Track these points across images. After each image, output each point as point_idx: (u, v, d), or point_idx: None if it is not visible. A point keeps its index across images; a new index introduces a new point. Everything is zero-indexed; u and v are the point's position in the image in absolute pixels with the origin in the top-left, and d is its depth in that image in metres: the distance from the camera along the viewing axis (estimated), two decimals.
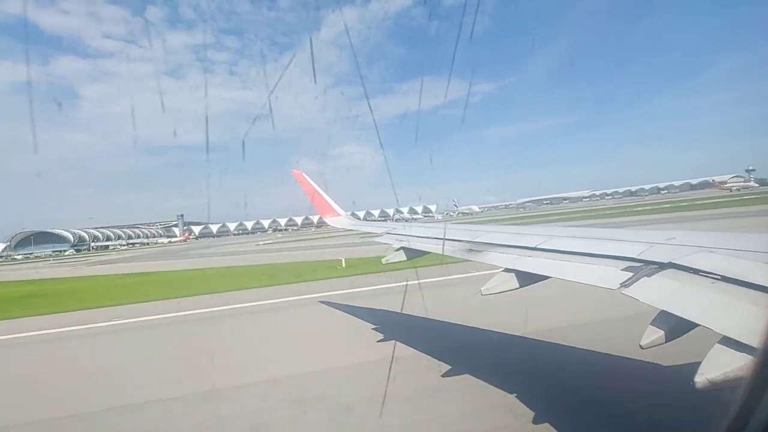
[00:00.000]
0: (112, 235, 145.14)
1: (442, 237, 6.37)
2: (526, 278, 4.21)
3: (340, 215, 9.82)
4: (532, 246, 4.63)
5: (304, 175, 9.98)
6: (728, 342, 2.11)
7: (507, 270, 4.38)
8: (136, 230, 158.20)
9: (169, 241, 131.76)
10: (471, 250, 5.35)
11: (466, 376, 6.62)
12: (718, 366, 2.02)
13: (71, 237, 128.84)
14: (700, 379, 2.02)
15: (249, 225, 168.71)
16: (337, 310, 12.70)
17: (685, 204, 62.14)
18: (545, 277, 4.01)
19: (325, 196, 9.93)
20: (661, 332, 2.59)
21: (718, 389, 2.00)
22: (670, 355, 5.47)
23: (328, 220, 9.80)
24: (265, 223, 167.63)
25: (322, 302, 13.93)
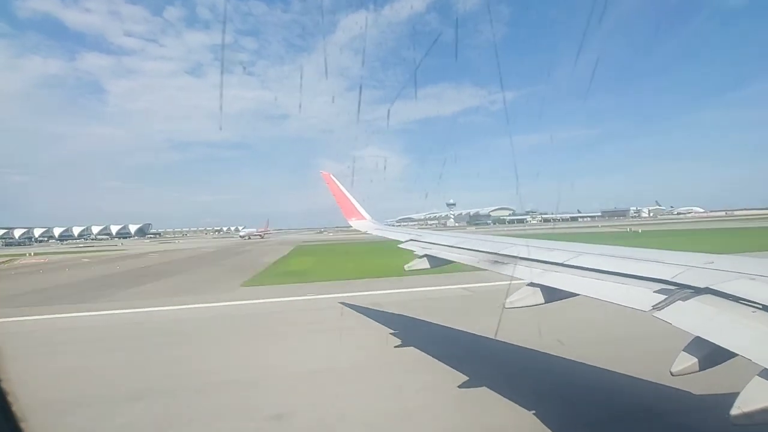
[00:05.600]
0: None
1: (467, 247, 6.33)
2: (552, 294, 4.13)
3: (366, 219, 9.91)
4: (560, 261, 4.54)
5: (332, 177, 10.15)
6: None
7: (532, 284, 4.31)
8: None
9: None
10: (496, 261, 5.29)
11: None
12: (758, 399, 1.93)
13: None
14: (737, 412, 1.94)
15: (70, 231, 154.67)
16: None
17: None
18: (572, 294, 3.92)
19: (352, 199, 10.05)
20: (695, 360, 2.49)
21: (756, 424, 1.91)
22: (703, 384, 5.24)
23: (353, 223, 9.91)
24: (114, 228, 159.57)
25: None
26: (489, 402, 6.23)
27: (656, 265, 3.64)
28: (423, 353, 8.60)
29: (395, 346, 9.23)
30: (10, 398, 0.93)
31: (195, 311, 14.91)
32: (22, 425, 0.94)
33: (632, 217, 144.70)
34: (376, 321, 11.61)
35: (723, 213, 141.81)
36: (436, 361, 8.11)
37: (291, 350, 9.62)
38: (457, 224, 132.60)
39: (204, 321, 13.48)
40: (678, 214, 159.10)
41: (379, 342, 9.57)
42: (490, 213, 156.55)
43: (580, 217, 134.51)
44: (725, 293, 2.74)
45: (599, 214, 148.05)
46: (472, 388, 6.75)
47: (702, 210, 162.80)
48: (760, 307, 2.47)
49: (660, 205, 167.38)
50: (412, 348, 9.02)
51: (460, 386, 6.82)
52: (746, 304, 2.55)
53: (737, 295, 2.66)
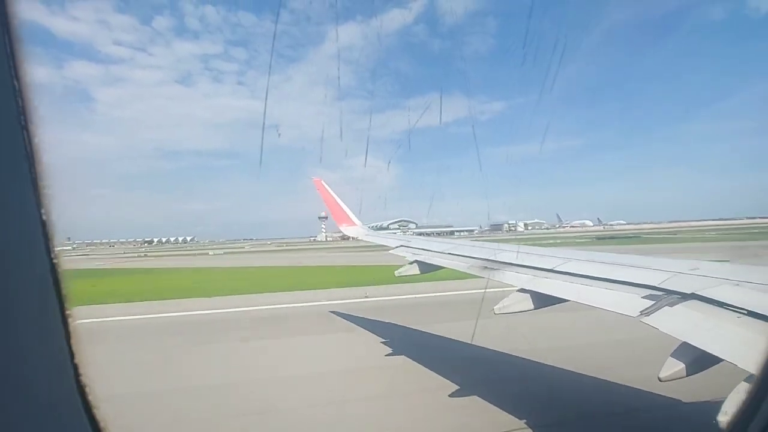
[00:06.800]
0: None
1: (457, 253, 6.34)
2: (542, 300, 4.14)
3: (356, 225, 9.88)
4: (549, 267, 4.57)
5: (323, 183, 10.11)
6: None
7: (522, 290, 4.32)
8: None
9: None
10: (486, 267, 5.30)
11: None
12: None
13: None
14: (724, 418, 1.94)
15: None
16: None
17: None
18: (562, 300, 3.94)
19: (342, 205, 10.02)
20: (682, 365, 2.51)
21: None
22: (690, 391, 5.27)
23: (344, 229, 9.88)
24: None
25: None
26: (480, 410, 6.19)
27: (644, 271, 3.68)
28: (413, 361, 8.55)
29: (386, 355, 9.15)
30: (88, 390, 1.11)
31: None
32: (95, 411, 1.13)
33: (507, 231, 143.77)
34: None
35: (602, 227, 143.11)
36: (425, 369, 8.05)
37: None
38: (329, 238, 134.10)
39: None
40: (571, 227, 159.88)
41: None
42: (389, 226, 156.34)
43: (458, 231, 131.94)
44: (711, 299, 2.77)
45: (487, 227, 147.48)
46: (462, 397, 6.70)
47: (591, 223, 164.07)
48: (746, 312, 2.49)
49: (561, 219, 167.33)
50: (402, 356, 8.95)
51: (450, 395, 6.76)
52: (732, 310, 2.58)
53: (723, 300, 2.69)
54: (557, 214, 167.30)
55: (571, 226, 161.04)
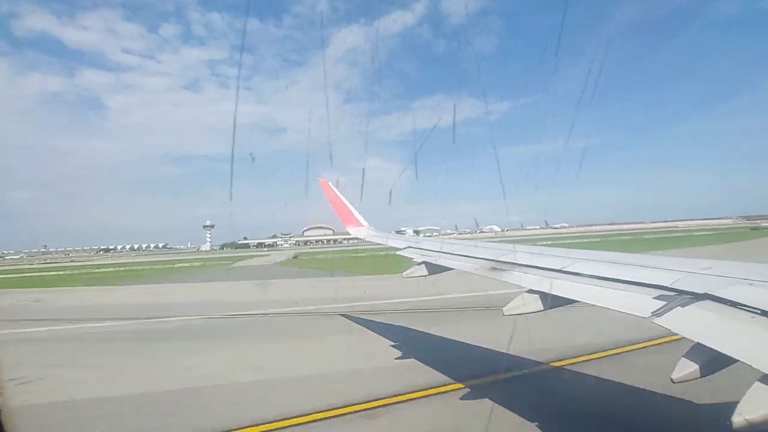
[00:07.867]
0: None
1: (465, 254, 6.31)
2: (551, 301, 4.11)
3: (363, 226, 9.87)
4: (558, 268, 4.53)
5: (330, 184, 10.13)
6: None
7: (531, 291, 4.29)
8: None
9: None
10: (494, 268, 5.28)
11: None
12: (759, 406, 1.92)
13: None
14: (738, 419, 1.91)
15: None
16: None
17: None
18: (571, 301, 3.90)
19: (348, 205, 10.02)
20: (696, 366, 2.47)
21: (758, 431, 1.89)
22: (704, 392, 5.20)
23: (350, 230, 9.87)
24: None
25: None
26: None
27: (655, 271, 3.63)
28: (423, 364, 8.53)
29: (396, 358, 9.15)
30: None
31: None
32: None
33: None
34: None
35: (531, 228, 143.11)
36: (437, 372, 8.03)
37: None
38: (216, 248, 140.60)
39: None
40: (481, 232, 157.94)
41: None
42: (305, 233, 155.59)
43: (344, 238, 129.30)
44: (724, 299, 2.73)
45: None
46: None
47: (499, 228, 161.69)
48: (759, 312, 2.46)
49: (477, 223, 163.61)
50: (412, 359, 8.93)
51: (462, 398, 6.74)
52: (745, 310, 2.55)
53: (736, 300, 2.65)
54: (475, 219, 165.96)
55: (480, 232, 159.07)
